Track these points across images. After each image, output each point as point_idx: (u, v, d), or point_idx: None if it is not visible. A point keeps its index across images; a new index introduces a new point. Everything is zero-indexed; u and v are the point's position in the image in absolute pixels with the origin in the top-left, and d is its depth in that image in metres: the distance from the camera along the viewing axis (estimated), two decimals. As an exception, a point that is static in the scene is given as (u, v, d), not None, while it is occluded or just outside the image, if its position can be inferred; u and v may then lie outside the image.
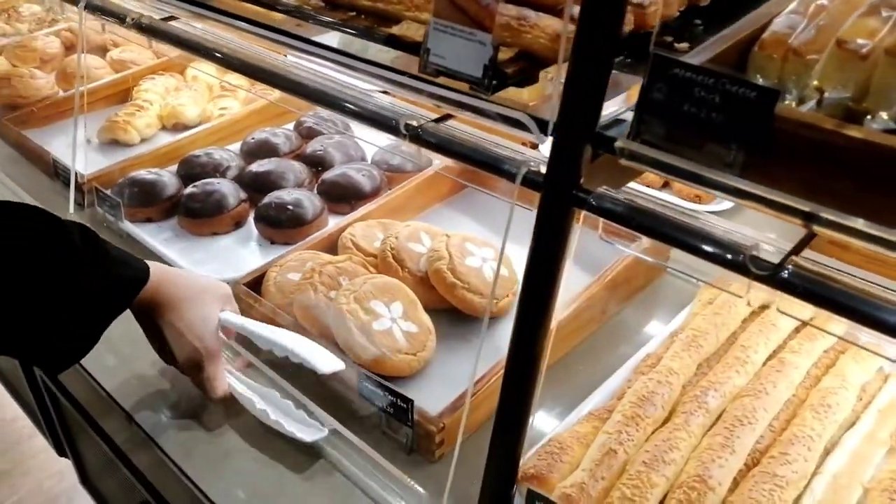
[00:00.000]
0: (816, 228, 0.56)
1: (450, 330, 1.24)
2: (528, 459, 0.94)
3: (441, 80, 0.80)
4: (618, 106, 0.72)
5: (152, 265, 1.06)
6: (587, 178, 0.71)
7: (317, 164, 1.69)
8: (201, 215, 1.52)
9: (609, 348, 1.22)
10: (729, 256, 0.59)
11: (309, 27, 1.00)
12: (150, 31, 1.29)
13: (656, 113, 0.62)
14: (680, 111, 0.61)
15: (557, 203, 0.70)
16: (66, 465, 1.97)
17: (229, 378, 1.11)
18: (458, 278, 1.22)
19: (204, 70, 2.01)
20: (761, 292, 1.12)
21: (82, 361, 1.22)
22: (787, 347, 1.08)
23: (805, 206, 0.56)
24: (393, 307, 1.18)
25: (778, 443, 0.94)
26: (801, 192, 0.57)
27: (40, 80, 1.96)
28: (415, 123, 0.84)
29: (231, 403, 1.11)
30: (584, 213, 0.70)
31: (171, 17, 1.27)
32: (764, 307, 1.14)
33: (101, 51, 2.19)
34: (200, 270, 1.40)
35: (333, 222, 1.50)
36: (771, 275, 0.57)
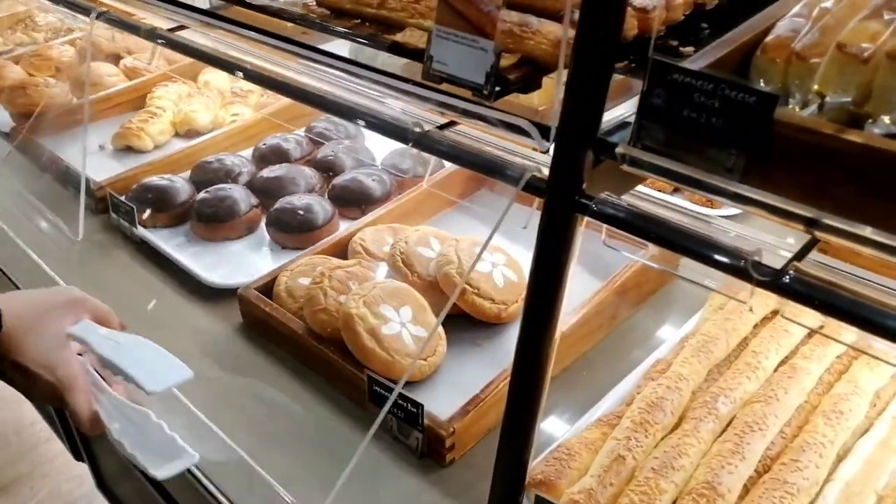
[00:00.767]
0: (818, 234, 0.56)
1: (460, 335, 1.24)
2: (537, 465, 0.94)
3: (445, 86, 0.81)
4: (626, 110, 0.72)
5: None
6: (590, 184, 0.70)
7: (328, 169, 1.69)
8: (214, 221, 1.53)
9: (621, 353, 1.22)
10: (730, 262, 0.58)
11: (315, 35, 1.01)
12: (165, 41, 1.30)
13: (656, 118, 0.62)
14: (680, 116, 0.60)
15: (560, 209, 0.70)
16: (85, 469, 1.99)
17: (100, 399, 0.96)
18: (468, 283, 1.22)
19: (216, 77, 2.02)
20: (771, 299, 1.11)
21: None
22: (799, 353, 1.06)
23: (805, 212, 0.55)
24: (402, 312, 1.18)
25: (789, 449, 0.93)
26: (802, 196, 0.56)
27: (54, 89, 1.99)
28: (419, 130, 0.84)
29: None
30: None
31: (181, 27, 1.28)
32: (776, 312, 1.13)
33: (115, 58, 2.21)
34: (213, 275, 1.41)
35: (344, 227, 1.51)
36: (772, 280, 0.56)
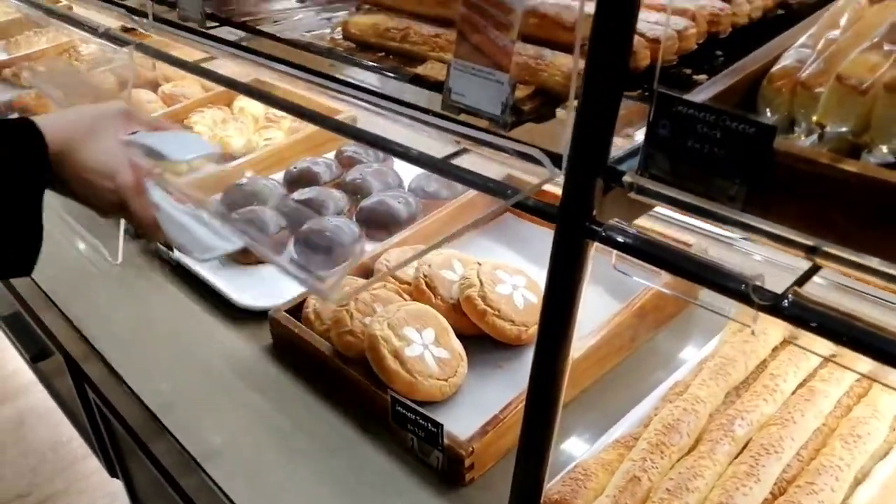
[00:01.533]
0: (818, 261, 0.58)
1: (481, 356, 1.26)
2: (553, 485, 0.96)
3: (462, 116, 0.84)
4: (642, 136, 0.75)
5: (37, 120, 0.91)
6: (602, 210, 0.73)
7: (356, 191, 1.74)
8: (245, 244, 1.58)
9: (642, 375, 1.23)
10: (731, 286, 0.60)
11: (341, 67, 1.05)
12: (200, 72, 1.36)
13: (662, 148, 0.64)
14: (684, 146, 0.63)
15: (571, 234, 0.72)
16: (119, 486, 2.05)
17: (161, 204, 0.97)
18: (489, 305, 1.24)
19: (250, 103, 2.09)
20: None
21: (132, 385, 1.30)
22: (818, 376, 1.07)
23: (805, 240, 0.57)
24: (425, 333, 1.21)
25: (805, 472, 0.93)
26: (802, 224, 0.58)
27: (97, 116, 2.06)
28: (438, 157, 0.88)
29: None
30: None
31: (210, 58, 1.34)
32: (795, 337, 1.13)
33: (153, 86, 2.30)
34: (244, 296, 1.46)
35: (370, 248, 1.54)
36: (772, 305, 0.58)
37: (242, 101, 2.15)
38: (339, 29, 1.13)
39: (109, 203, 0.95)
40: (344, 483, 1.09)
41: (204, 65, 1.40)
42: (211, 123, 2.06)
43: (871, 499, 0.90)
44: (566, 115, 0.74)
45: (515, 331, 1.25)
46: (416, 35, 0.97)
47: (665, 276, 1.15)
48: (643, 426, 1.04)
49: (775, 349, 1.13)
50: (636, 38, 0.88)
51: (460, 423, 1.09)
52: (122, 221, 1.65)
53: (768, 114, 0.72)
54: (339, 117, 1.09)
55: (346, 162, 1.88)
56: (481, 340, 1.27)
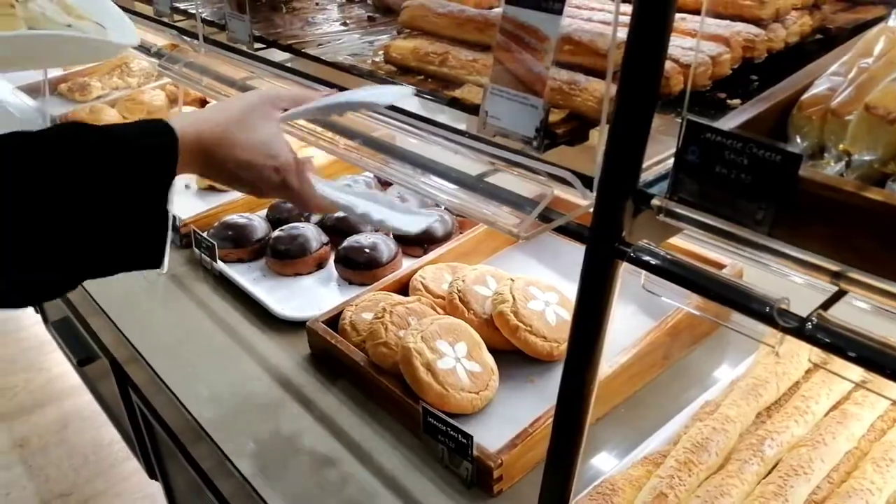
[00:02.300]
0: (843, 286, 0.59)
1: (513, 371, 1.28)
2: (580, 499, 0.97)
3: (497, 138, 0.87)
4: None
5: (177, 119, 0.94)
6: (631, 232, 0.75)
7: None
8: (287, 257, 1.63)
9: (674, 392, 1.24)
10: (756, 308, 0.62)
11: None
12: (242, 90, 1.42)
13: (690, 173, 0.66)
14: (712, 172, 0.65)
15: (600, 254, 0.74)
16: (157, 488, 2.10)
17: (318, 186, 1.02)
18: (521, 321, 1.26)
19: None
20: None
21: (175, 390, 1.34)
22: (851, 399, 1.07)
23: (830, 265, 0.59)
24: (458, 347, 1.24)
25: (835, 494, 0.93)
26: (827, 250, 0.59)
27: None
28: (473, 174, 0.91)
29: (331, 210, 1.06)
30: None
31: (252, 77, 1.39)
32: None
33: (201, 103, 2.37)
34: (284, 308, 1.50)
35: (407, 264, 1.58)
36: (797, 328, 0.59)
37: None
38: (381, 52, 1.18)
39: (271, 183, 0.98)
40: (374, 491, 1.12)
41: (248, 82, 1.45)
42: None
43: (901, 524, 0.90)
44: (597, 139, 0.76)
45: (547, 347, 1.26)
46: (455, 59, 1.01)
47: (695, 297, 1.17)
48: (672, 444, 1.05)
49: (808, 371, 1.13)
50: (670, 63, 0.91)
51: (491, 436, 1.11)
52: (170, 232, 1.71)
53: (798, 140, 0.74)
54: (375, 134, 1.12)
55: (385, 179, 1.92)
56: (514, 355, 1.29)
